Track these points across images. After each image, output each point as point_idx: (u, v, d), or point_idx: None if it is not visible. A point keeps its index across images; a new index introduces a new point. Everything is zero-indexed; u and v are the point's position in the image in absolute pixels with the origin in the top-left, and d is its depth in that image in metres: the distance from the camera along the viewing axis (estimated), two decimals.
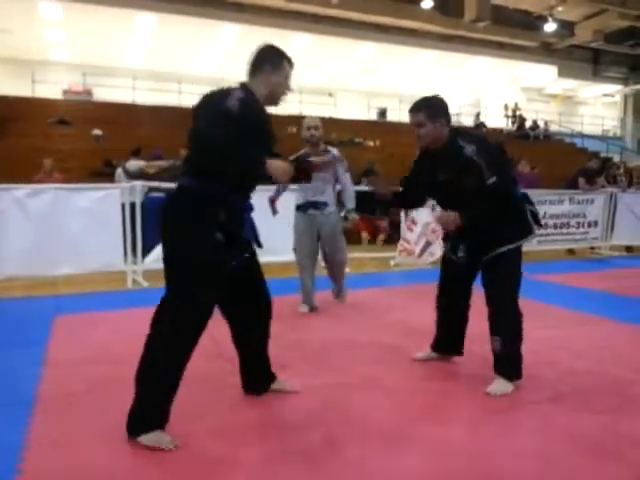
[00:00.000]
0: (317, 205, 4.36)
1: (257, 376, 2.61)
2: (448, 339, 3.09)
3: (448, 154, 2.68)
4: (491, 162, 2.59)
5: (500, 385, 2.68)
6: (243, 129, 2.08)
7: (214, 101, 2.20)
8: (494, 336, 2.72)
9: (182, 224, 2.16)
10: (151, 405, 2.13)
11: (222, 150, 2.03)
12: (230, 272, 2.26)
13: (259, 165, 2.10)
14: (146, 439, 2.08)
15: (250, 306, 2.47)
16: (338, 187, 4.61)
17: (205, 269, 2.14)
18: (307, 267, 4.42)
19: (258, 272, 2.49)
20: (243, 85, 2.33)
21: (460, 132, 2.77)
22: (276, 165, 2.12)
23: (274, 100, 2.39)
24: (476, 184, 2.58)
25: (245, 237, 2.32)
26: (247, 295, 2.45)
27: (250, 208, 2.36)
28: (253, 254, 2.44)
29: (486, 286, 2.76)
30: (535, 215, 2.79)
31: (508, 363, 2.71)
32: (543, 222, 7.75)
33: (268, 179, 2.14)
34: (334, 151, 4.46)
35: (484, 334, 2.79)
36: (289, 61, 2.44)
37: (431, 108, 2.70)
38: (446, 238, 3.06)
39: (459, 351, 3.10)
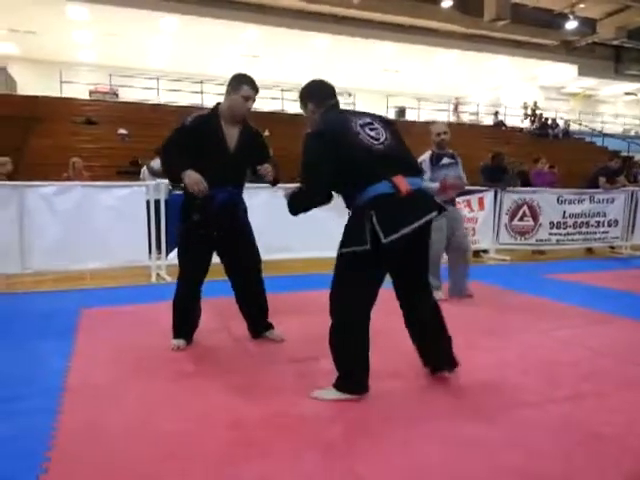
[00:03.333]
0: (452, 201, 4.74)
1: (252, 319, 3.37)
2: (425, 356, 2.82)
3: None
4: (303, 151, 2.48)
5: (324, 390, 2.55)
6: (190, 139, 3.00)
7: None
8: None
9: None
10: (177, 324, 3.27)
11: (162, 157, 3.18)
12: (216, 239, 3.14)
13: (174, 173, 3.04)
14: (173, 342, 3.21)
15: (239, 263, 3.28)
16: None
17: (186, 238, 3.21)
18: (439, 259, 4.71)
19: (243, 240, 3.26)
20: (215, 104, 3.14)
21: (325, 115, 2.61)
22: (189, 175, 2.91)
23: (234, 116, 3.08)
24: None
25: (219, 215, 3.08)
26: (235, 256, 3.26)
27: (226, 196, 3.10)
28: (236, 229, 3.21)
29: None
30: (383, 223, 2.30)
31: (339, 372, 2.55)
32: (563, 221, 7.87)
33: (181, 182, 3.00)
34: (454, 154, 4.82)
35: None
36: (250, 84, 3.05)
37: (301, 93, 2.74)
38: None
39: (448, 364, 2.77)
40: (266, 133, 13.87)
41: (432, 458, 2.01)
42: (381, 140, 2.48)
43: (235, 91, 3.03)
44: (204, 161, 2.97)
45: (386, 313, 2.79)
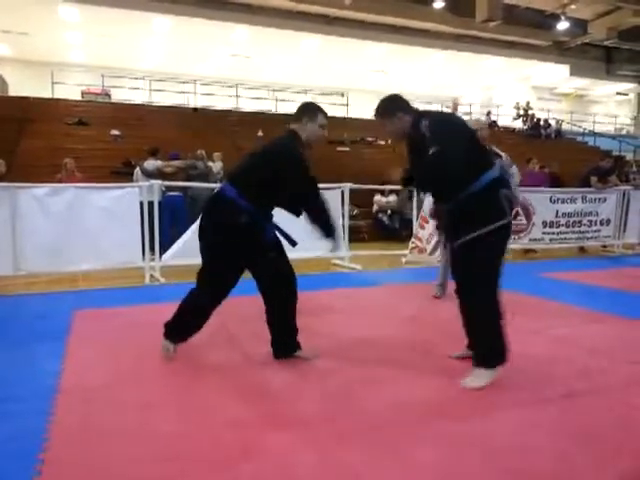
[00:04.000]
0: None
1: (280, 341, 3.10)
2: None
3: (413, 136, 2.76)
4: (436, 133, 2.59)
5: (476, 376, 2.66)
6: None
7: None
8: (469, 327, 2.72)
9: None
10: (176, 326, 3.02)
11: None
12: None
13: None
14: (163, 343, 3.05)
15: (272, 286, 3.04)
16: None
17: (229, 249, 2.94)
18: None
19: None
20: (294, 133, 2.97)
21: (424, 112, 2.83)
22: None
23: (311, 145, 3.00)
24: (424, 158, 2.60)
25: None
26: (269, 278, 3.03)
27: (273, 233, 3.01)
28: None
29: (454, 273, 2.78)
30: (510, 200, 2.68)
31: (478, 352, 2.70)
32: (555, 220, 7.94)
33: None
34: (502, 155, 4.77)
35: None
36: (323, 112, 3.02)
37: (383, 108, 2.87)
38: (439, 225, 3.09)
39: None
40: (259, 134, 14.04)
41: (427, 457, 2.01)
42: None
43: (312, 121, 2.96)
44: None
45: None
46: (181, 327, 3.03)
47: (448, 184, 2.66)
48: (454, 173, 2.58)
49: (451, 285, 4.89)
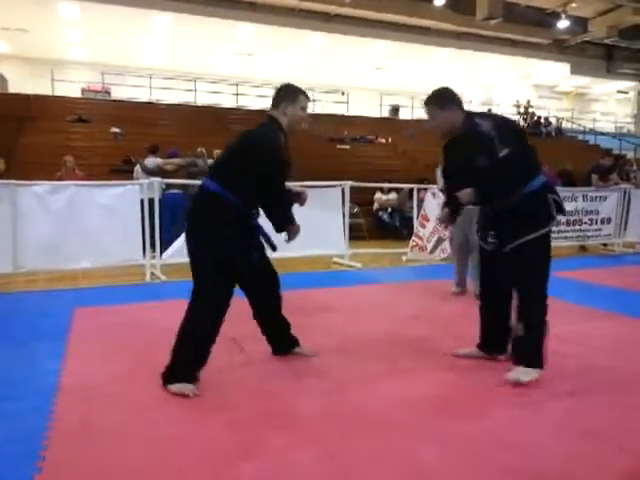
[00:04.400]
0: None
1: (278, 339, 3.04)
2: (491, 339, 3.03)
3: (466, 135, 2.77)
4: (505, 135, 2.64)
5: (518, 372, 2.69)
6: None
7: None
8: (519, 325, 2.74)
9: None
10: (182, 366, 2.57)
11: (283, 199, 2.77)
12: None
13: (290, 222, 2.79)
14: (173, 387, 2.53)
15: (260, 284, 2.91)
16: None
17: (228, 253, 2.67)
18: (461, 254, 4.98)
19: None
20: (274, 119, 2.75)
21: (478, 114, 2.86)
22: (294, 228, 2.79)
23: (293, 130, 2.80)
24: (489, 160, 2.63)
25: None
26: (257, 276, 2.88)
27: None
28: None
29: (513, 276, 2.79)
30: (558, 203, 2.78)
31: (528, 351, 2.71)
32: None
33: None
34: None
35: None
36: (304, 93, 2.82)
37: (438, 98, 2.83)
38: (479, 228, 3.04)
39: (503, 349, 3.00)
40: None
41: (427, 456, 2.01)
42: None
43: (293, 103, 2.75)
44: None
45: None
46: (189, 365, 2.59)
47: (509, 186, 2.70)
48: (521, 175, 2.68)
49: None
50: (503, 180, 2.69)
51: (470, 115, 2.81)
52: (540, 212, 2.73)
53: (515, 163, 2.64)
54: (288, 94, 2.77)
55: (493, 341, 3.03)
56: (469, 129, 2.75)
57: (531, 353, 2.70)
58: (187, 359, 2.57)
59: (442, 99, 2.82)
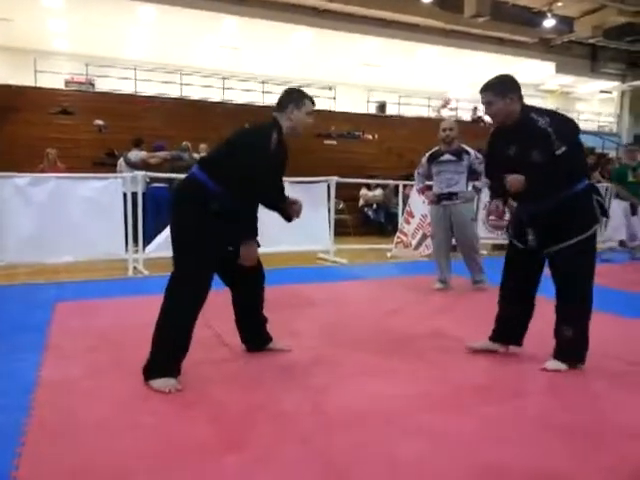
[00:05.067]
0: (450, 196, 4.86)
1: (252, 335, 3.04)
2: (510, 329, 3.05)
3: (521, 128, 2.73)
4: (563, 132, 2.63)
5: (556, 363, 2.81)
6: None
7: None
8: (564, 325, 2.79)
9: None
10: (162, 358, 2.54)
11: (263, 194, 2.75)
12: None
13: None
14: (155, 384, 2.49)
15: (244, 277, 2.87)
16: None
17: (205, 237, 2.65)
18: (441, 251, 5.05)
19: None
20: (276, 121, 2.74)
21: (534, 107, 2.82)
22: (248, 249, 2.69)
23: (296, 134, 2.82)
24: (544, 156, 2.62)
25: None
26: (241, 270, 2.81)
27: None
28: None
29: (557, 277, 2.82)
30: (602, 205, 2.80)
31: (572, 350, 2.81)
32: None
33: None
34: (471, 151, 4.95)
35: None
36: (310, 99, 2.82)
37: (499, 85, 2.77)
38: (512, 224, 3.05)
39: (519, 341, 3.07)
40: (246, 125, 13.92)
41: (410, 452, 2.02)
42: None
43: (298, 108, 2.74)
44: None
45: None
46: (169, 356, 2.55)
47: (560, 185, 2.70)
48: (573, 175, 2.70)
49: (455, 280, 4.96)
50: (556, 178, 2.68)
51: (527, 108, 2.77)
52: (587, 214, 2.74)
53: (570, 162, 2.65)
54: (295, 98, 2.77)
55: (512, 333, 3.06)
56: (524, 122, 2.72)
57: (579, 353, 2.82)
58: (168, 349, 2.53)
59: (504, 87, 2.76)
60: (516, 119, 2.76)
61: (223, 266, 2.76)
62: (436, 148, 4.99)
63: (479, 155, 4.84)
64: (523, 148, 2.71)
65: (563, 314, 2.81)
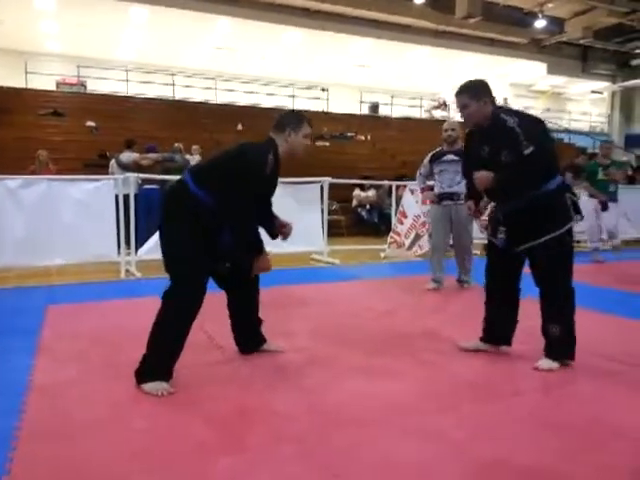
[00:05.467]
0: (451, 196, 4.89)
1: (247, 338, 3.03)
2: (498, 330, 3.07)
3: (492, 129, 2.80)
4: (531, 132, 2.66)
5: (548, 362, 2.83)
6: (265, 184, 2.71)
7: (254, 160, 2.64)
8: (550, 324, 2.82)
9: None
10: (155, 362, 2.54)
11: (247, 226, 2.67)
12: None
13: (253, 250, 2.72)
14: (147, 387, 2.49)
15: (239, 281, 2.89)
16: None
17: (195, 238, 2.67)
18: (439, 250, 5.07)
19: None
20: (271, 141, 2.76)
21: (504, 108, 2.91)
22: (263, 260, 2.74)
23: (293, 157, 2.82)
24: (513, 156, 2.66)
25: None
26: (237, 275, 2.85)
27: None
28: None
29: (536, 276, 2.87)
30: (575, 204, 2.82)
31: (561, 347, 2.84)
32: None
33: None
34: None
35: None
36: (309, 121, 2.84)
37: (474, 88, 2.87)
38: (490, 223, 3.08)
39: (508, 341, 3.08)
40: (239, 127, 13.89)
41: (406, 451, 2.02)
42: None
43: (296, 130, 2.75)
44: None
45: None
46: (163, 360, 2.55)
47: (529, 184, 2.72)
48: (542, 174, 2.71)
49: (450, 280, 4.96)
50: (526, 177, 2.71)
51: (497, 109, 2.84)
52: (559, 212, 2.77)
53: (539, 162, 2.67)
54: (293, 121, 2.78)
55: (500, 334, 3.08)
56: (495, 123, 2.78)
57: (568, 350, 2.85)
58: (162, 354, 2.53)
59: (478, 90, 2.85)
60: (489, 120, 2.82)
61: (218, 272, 2.80)
62: (439, 148, 5.04)
63: None
64: (494, 148, 2.77)
65: (548, 313, 2.85)
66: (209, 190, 2.58)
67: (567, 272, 2.83)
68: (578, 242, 8.77)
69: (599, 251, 7.21)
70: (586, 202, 6.97)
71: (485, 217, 3.37)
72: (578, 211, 2.83)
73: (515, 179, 2.73)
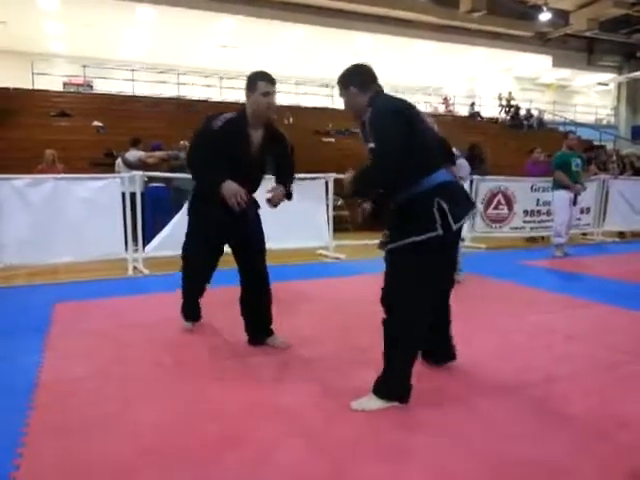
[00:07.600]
0: None
1: (256, 330, 3.13)
2: (431, 345, 2.68)
3: (364, 122, 2.37)
4: (375, 128, 2.26)
5: (366, 400, 2.33)
6: (216, 145, 2.82)
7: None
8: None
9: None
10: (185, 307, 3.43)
11: (193, 168, 2.98)
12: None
13: (209, 184, 2.84)
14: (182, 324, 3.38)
15: (248, 274, 3.10)
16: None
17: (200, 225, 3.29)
18: None
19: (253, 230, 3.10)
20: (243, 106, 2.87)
21: (379, 98, 2.41)
22: (227, 187, 2.74)
23: (257, 117, 2.85)
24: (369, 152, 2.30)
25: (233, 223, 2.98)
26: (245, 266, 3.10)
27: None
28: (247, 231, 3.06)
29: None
30: (444, 214, 2.24)
31: (382, 378, 2.36)
32: (536, 209, 8.01)
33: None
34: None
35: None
36: (265, 78, 2.80)
37: (342, 77, 2.50)
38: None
39: (450, 355, 2.77)
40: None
41: (410, 444, 2.03)
42: (435, 129, 2.50)
43: (252, 91, 2.77)
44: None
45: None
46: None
47: (385, 184, 2.39)
48: (386, 173, 2.25)
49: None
50: (371, 176, 2.35)
51: (372, 100, 2.39)
52: (419, 217, 2.28)
53: (381, 160, 2.24)
54: (248, 83, 2.80)
55: (436, 350, 2.75)
56: (365, 116, 2.35)
57: (383, 382, 2.34)
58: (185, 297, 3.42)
59: (345, 79, 2.48)
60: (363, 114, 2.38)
61: (236, 247, 3.11)
62: None
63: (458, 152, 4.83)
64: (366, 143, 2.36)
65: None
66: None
67: (409, 291, 2.30)
68: (585, 235, 8.76)
69: (563, 246, 6.84)
70: (560, 195, 6.63)
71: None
72: (446, 225, 2.24)
73: (362, 178, 2.37)
